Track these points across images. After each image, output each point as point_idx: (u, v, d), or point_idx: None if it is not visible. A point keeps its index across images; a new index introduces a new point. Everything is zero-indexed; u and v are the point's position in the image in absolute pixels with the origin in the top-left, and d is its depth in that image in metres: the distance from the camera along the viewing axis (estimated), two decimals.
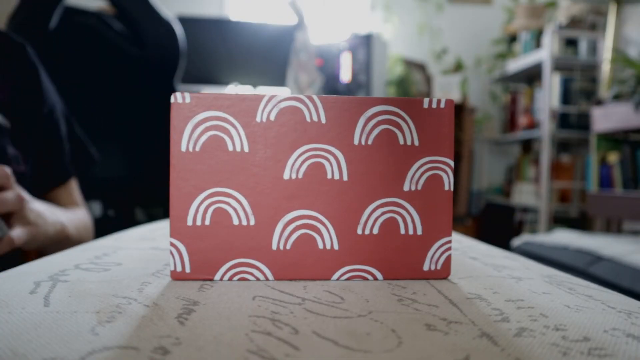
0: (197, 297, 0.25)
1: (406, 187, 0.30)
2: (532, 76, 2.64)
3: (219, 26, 1.72)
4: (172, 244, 0.29)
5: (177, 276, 0.29)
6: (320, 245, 0.29)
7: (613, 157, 1.92)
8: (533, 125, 2.50)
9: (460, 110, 2.52)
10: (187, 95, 0.28)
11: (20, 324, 0.21)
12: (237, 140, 0.28)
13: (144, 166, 1.11)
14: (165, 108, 0.65)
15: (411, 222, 0.30)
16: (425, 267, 0.30)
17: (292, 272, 0.29)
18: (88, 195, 1.12)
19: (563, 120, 2.32)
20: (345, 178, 0.29)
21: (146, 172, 1.11)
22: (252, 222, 0.29)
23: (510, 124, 2.78)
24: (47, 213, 0.52)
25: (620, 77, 1.98)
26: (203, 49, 1.68)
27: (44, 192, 0.64)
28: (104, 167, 1.05)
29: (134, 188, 1.13)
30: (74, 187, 0.68)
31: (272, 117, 0.29)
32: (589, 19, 2.36)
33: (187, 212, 0.28)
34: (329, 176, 0.29)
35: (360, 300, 0.25)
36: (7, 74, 0.57)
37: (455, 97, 2.58)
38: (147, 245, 0.42)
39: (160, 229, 0.56)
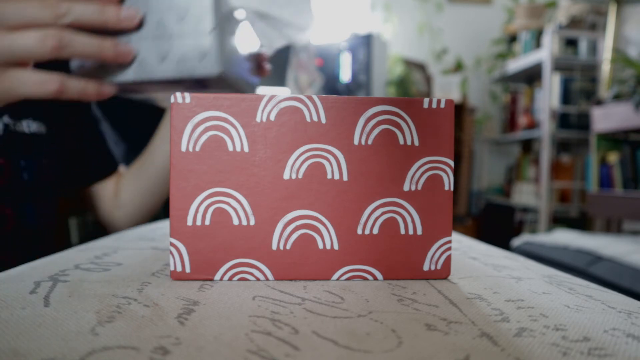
0: (197, 297, 0.25)
1: (406, 187, 0.30)
2: (532, 76, 2.64)
3: None
4: (172, 244, 0.29)
5: (177, 276, 0.29)
6: (320, 245, 0.29)
7: (613, 157, 1.92)
8: (533, 125, 2.50)
9: (460, 110, 2.52)
10: (187, 95, 0.28)
11: (20, 324, 0.21)
12: (237, 140, 0.28)
13: None
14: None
15: (411, 222, 0.30)
16: (425, 267, 0.30)
17: (292, 272, 0.29)
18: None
19: (563, 120, 2.32)
20: (345, 178, 0.29)
21: None
22: (252, 222, 0.29)
23: (510, 124, 2.78)
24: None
25: (620, 77, 1.98)
26: None
27: (94, 183, 0.64)
28: None
29: None
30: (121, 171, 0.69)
31: (272, 117, 0.29)
32: (589, 19, 2.36)
33: (187, 212, 0.28)
34: (329, 176, 0.29)
35: (360, 300, 0.25)
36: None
37: (455, 97, 2.58)
38: (147, 245, 0.42)
39: (160, 228, 0.56)
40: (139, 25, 0.39)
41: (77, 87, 0.38)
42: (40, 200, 0.55)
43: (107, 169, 0.65)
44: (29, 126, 0.53)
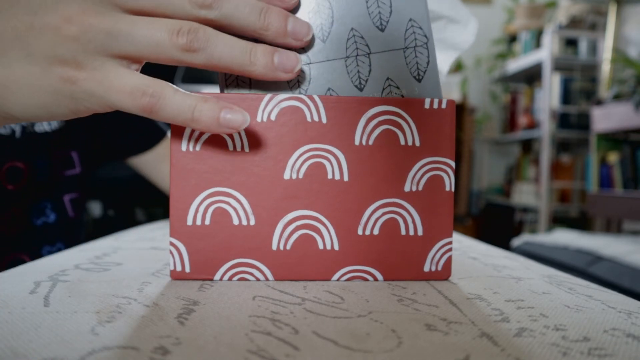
0: (197, 297, 0.25)
1: (407, 188, 0.30)
2: (532, 76, 2.64)
3: None
4: (171, 244, 0.29)
5: (176, 276, 0.29)
6: (321, 246, 0.29)
7: (613, 157, 1.92)
8: (533, 125, 2.50)
9: (460, 110, 2.52)
10: None
11: (20, 324, 0.21)
12: (238, 140, 0.28)
13: None
14: None
15: (412, 223, 0.30)
16: (426, 268, 0.30)
17: (292, 273, 0.29)
18: (88, 196, 1.12)
19: (563, 120, 2.32)
20: (345, 178, 0.29)
21: None
22: (252, 222, 0.29)
23: (510, 124, 2.78)
24: None
25: (620, 77, 1.98)
26: None
27: (139, 153, 0.63)
28: (104, 167, 1.05)
29: (134, 188, 1.13)
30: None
31: (272, 117, 0.29)
32: (589, 19, 2.36)
33: (187, 211, 0.28)
34: (330, 176, 0.29)
35: (360, 301, 0.25)
36: None
37: (455, 97, 2.58)
38: (147, 245, 0.43)
39: (160, 228, 0.56)
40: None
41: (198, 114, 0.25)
42: (57, 197, 0.55)
43: (152, 138, 0.64)
44: (50, 124, 0.53)
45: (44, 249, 0.54)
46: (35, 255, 0.52)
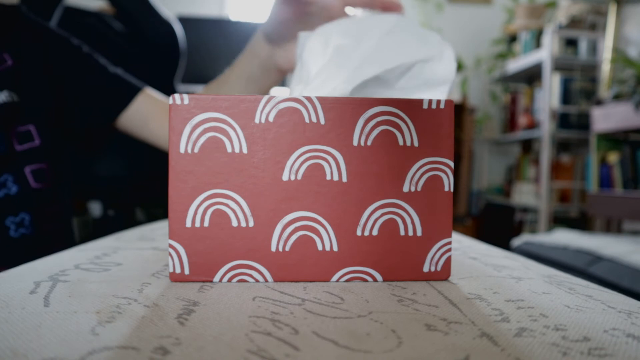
0: (197, 297, 0.25)
1: (406, 188, 0.30)
2: (532, 76, 2.64)
3: (219, 26, 1.72)
4: (170, 246, 0.29)
5: (176, 278, 0.29)
6: (320, 247, 0.29)
7: (613, 157, 1.92)
8: (533, 125, 2.50)
9: (460, 110, 2.52)
10: (185, 96, 0.28)
11: (20, 324, 0.21)
12: (236, 142, 0.28)
13: (144, 166, 1.11)
14: None
15: (411, 223, 0.30)
16: (425, 269, 0.30)
17: (292, 274, 0.29)
18: (88, 196, 1.12)
19: (563, 120, 2.32)
20: (344, 179, 0.29)
21: (146, 172, 1.11)
22: (251, 224, 0.29)
23: (510, 124, 2.78)
24: None
25: (620, 77, 1.98)
26: (203, 49, 1.68)
27: (118, 114, 0.63)
28: (104, 167, 1.05)
29: (134, 188, 1.13)
30: (154, 94, 0.66)
31: (270, 119, 0.29)
32: (589, 19, 2.36)
33: (186, 213, 0.28)
34: (328, 177, 0.29)
35: (360, 301, 0.26)
36: (8, 41, 0.57)
37: (455, 97, 2.58)
38: (147, 245, 0.43)
39: (160, 228, 0.56)
40: None
41: None
42: (18, 170, 0.56)
43: (126, 97, 0.64)
44: None
45: (8, 219, 0.54)
46: (0, 226, 0.53)
